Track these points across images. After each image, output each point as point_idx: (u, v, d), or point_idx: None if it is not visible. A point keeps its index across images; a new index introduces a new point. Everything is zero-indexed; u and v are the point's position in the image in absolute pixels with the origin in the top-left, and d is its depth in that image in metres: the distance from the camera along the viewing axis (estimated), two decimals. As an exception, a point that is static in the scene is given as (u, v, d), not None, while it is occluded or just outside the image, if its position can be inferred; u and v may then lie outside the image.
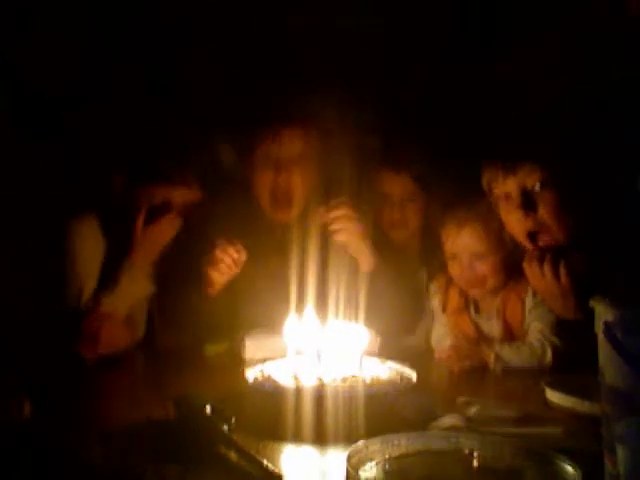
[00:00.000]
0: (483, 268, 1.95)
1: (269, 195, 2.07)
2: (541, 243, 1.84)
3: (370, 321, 1.55)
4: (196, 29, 2.43)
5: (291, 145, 2.04)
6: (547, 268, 1.79)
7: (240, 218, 2.08)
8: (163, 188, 1.97)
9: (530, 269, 1.83)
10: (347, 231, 1.96)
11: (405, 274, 2.21)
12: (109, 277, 1.94)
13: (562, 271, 1.78)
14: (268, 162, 2.05)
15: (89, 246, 1.97)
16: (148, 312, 2.05)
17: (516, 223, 1.85)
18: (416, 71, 2.52)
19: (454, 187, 2.07)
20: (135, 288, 1.97)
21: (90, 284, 1.93)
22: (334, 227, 1.96)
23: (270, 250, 2.08)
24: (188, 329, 1.95)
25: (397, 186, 2.20)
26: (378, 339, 1.81)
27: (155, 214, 1.99)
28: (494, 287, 1.97)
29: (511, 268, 1.93)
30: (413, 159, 2.20)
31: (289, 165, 2.04)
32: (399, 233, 2.23)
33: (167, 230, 1.99)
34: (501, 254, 1.94)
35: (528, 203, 1.81)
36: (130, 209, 1.99)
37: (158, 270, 2.04)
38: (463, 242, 1.95)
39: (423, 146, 2.22)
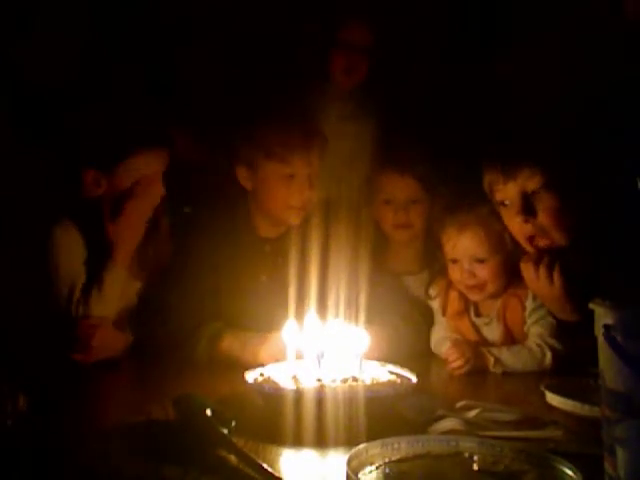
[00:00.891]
0: (483, 272, 1.94)
1: (283, 207, 2.03)
2: (540, 244, 1.84)
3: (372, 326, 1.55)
4: (196, 29, 2.43)
5: (307, 163, 2.00)
6: (542, 270, 1.79)
7: (228, 233, 2.07)
8: (134, 160, 1.94)
9: (526, 270, 1.84)
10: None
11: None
12: (94, 279, 1.94)
13: (556, 274, 1.78)
14: (282, 177, 2.01)
15: (70, 249, 1.96)
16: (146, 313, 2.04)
17: (517, 227, 1.85)
18: (416, 71, 2.52)
19: (456, 188, 2.06)
20: (120, 286, 1.96)
21: (77, 287, 1.93)
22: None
23: (260, 264, 2.07)
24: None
25: (401, 188, 2.18)
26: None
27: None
28: (494, 292, 1.96)
29: (511, 272, 1.92)
30: (416, 159, 2.19)
31: (303, 180, 2.01)
32: (403, 234, 2.21)
33: (137, 217, 1.98)
34: (502, 258, 1.93)
35: (528, 208, 1.82)
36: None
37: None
38: (464, 246, 1.95)
39: (424, 146, 2.22)
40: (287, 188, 2.01)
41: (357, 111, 2.51)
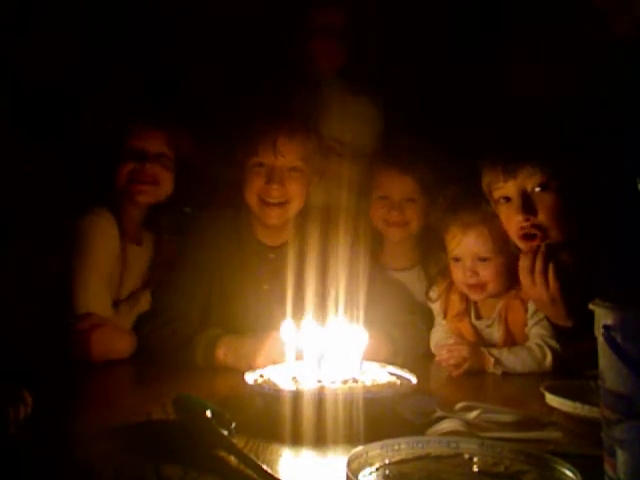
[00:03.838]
0: (486, 272, 1.94)
1: (258, 201, 2.03)
2: (537, 242, 1.84)
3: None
4: (198, 29, 2.43)
5: (288, 157, 2.00)
6: (538, 274, 1.78)
7: (231, 237, 2.09)
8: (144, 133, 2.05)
9: (523, 275, 1.82)
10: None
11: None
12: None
13: (551, 277, 1.77)
14: (261, 169, 2.01)
15: (108, 240, 1.98)
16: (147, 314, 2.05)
17: (515, 226, 1.85)
18: (416, 71, 2.52)
19: (461, 187, 2.06)
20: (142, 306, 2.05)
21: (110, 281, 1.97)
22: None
23: (263, 271, 2.08)
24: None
25: (398, 186, 2.17)
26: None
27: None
28: (495, 292, 1.96)
29: (514, 273, 1.90)
30: (416, 160, 2.18)
31: (283, 175, 2.01)
32: (397, 232, 2.21)
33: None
34: (504, 258, 1.93)
35: (529, 206, 1.81)
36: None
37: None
38: (468, 244, 1.95)
39: (424, 147, 2.22)
40: (256, 177, 2.01)
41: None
